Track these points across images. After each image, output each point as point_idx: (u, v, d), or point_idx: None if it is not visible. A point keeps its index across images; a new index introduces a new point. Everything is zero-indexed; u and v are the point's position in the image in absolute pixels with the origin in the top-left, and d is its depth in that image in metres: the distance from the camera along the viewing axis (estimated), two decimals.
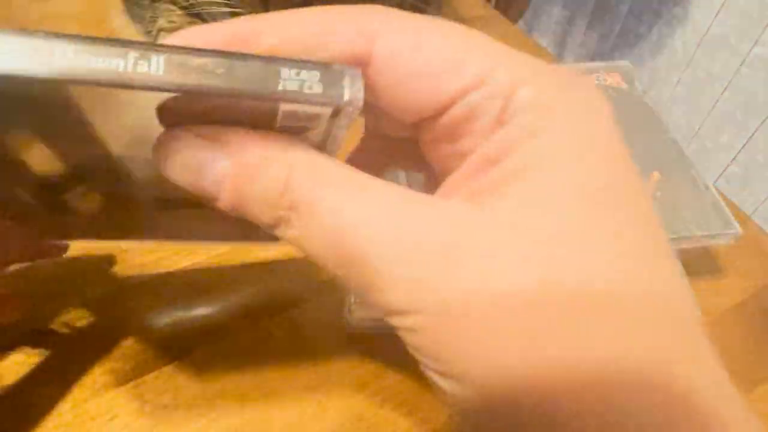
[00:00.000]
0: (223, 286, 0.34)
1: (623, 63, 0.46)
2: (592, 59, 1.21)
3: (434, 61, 0.16)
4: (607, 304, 0.14)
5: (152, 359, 0.31)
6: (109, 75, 0.14)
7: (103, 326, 0.32)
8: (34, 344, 0.30)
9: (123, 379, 0.30)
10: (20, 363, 0.30)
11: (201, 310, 0.33)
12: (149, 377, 0.30)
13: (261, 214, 0.16)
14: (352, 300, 0.31)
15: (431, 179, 0.21)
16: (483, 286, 0.14)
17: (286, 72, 0.15)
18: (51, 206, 0.21)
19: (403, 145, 0.20)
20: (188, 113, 0.16)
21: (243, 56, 0.15)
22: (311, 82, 0.15)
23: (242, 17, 0.16)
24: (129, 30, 0.51)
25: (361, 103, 0.15)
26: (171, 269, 0.35)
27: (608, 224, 0.15)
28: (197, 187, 0.16)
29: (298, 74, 0.15)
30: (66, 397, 0.29)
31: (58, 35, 0.13)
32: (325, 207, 0.15)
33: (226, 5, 0.44)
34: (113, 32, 0.51)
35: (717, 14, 1.05)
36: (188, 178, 0.16)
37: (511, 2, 0.99)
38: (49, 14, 0.53)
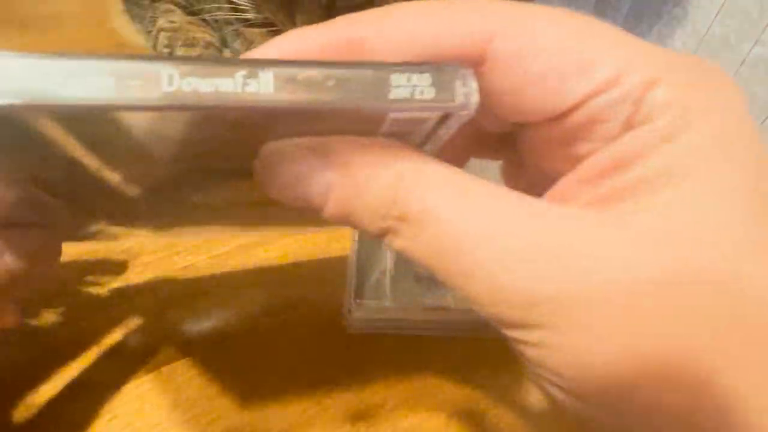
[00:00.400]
0: (223, 286, 0.34)
1: None
2: None
3: (559, 63, 0.14)
4: None
5: (152, 359, 0.31)
6: (219, 100, 0.13)
7: (102, 326, 0.32)
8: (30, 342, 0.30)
9: (123, 379, 0.30)
10: (20, 363, 0.30)
11: (201, 311, 0.33)
12: (149, 377, 0.30)
13: (369, 224, 0.15)
14: (352, 300, 0.31)
15: (514, 168, 0.20)
16: (623, 307, 0.13)
17: (396, 78, 0.14)
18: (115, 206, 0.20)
19: (490, 136, 0.19)
20: (288, 125, 0.15)
21: (351, 65, 0.14)
22: (423, 87, 0.14)
23: (340, 19, 0.15)
24: (129, 30, 0.51)
25: (474, 109, 0.14)
26: (171, 269, 0.35)
27: None
28: (302, 199, 0.16)
29: (408, 80, 0.14)
30: (66, 396, 0.29)
31: (157, 57, 0.13)
32: (437, 218, 0.14)
33: (230, 6, 0.44)
34: (113, 32, 0.51)
35: (717, 14, 1.05)
36: (292, 192, 0.16)
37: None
38: (49, 14, 0.53)
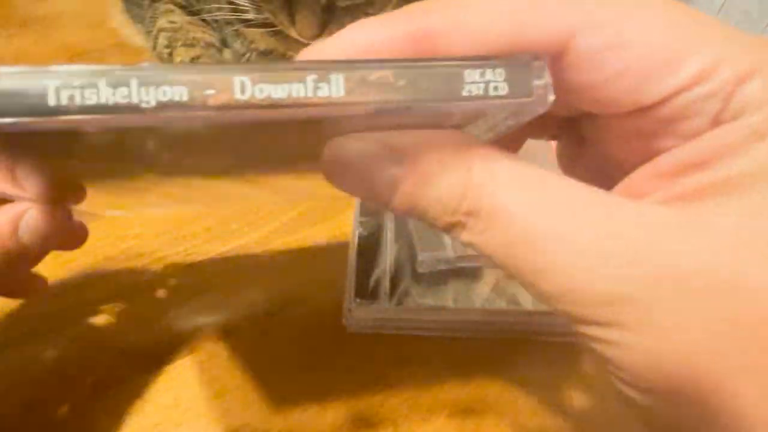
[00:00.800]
0: (223, 286, 0.34)
1: None
2: None
3: (645, 58, 0.14)
4: None
5: (152, 359, 0.31)
6: (292, 107, 0.13)
7: (102, 326, 0.32)
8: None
9: (123, 378, 0.30)
10: (20, 363, 0.30)
11: (201, 310, 0.33)
12: (149, 377, 0.30)
13: (436, 218, 0.15)
14: (352, 300, 0.31)
15: (571, 151, 0.20)
16: (708, 305, 0.13)
17: (470, 74, 0.13)
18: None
19: (552, 118, 0.18)
20: (355, 121, 0.15)
21: (423, 63, 0.13)
22: (496, 82, 0.14)
23: (411, 8, 0.15)
24: (129, 30, 0.51)
25: (549, 105, 0.14)
26: (171, 269, 0.35)
27: None
28: (368, 192, 0.15)
29: (482, 75, 0.13)
30: (66, 397, 0.29)
31: (229, 65, 0.13)
32: (508, 214, 0.14)
33: (230, 6, 0.43)
34: (113, 32, 0.51)
35: (717, 14, 1.05)
36: (359, 186, 0.15)
37: None
38: (49, 14, 0.53)
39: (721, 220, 0.13)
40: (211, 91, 0.12)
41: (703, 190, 0.14)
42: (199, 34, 0.46)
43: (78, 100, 0.12)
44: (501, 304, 0.32)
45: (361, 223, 0.36)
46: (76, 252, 0.28)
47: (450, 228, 0.15)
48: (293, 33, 0.40)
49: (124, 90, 0.12)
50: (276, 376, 0.31)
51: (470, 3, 0.14)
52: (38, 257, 0.22)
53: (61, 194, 0.21)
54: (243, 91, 0.13)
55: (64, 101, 0.12)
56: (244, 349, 0.31)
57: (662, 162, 0.15)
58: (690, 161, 0.14)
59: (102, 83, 0.12)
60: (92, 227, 0.37)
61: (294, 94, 0.13)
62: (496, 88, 0.14)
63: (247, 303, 0.34)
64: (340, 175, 0.16)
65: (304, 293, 0.34)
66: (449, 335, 0.33)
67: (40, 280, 0.27)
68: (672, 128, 0.14)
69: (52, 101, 0.12)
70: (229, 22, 0.45)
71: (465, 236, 0.15)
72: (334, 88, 0.13)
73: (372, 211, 0.36)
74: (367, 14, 0.41)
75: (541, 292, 0.14)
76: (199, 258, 0.35)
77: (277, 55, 0.46)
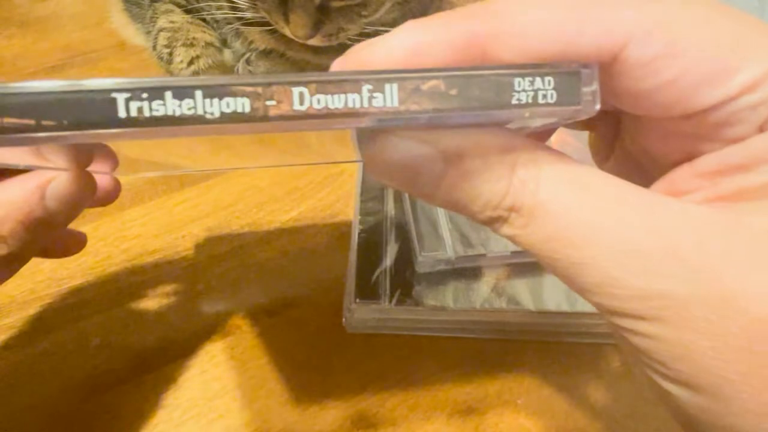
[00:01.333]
0: (223, 286, 0.34)
1: None
2: None
3: (696, 68, 0.14)
4: None
5: (152, 359, 0.31)
6: (348, 116, 0.13)
7: (102, 326, 0.32)
8: None
9: (123, 378, 0.30)
10: (20, 363, 0.30)
11: (201, 310, 0.33)
12: (149, 377, 0.30)
13: (478, 213, 0.15)
14: (352, 300, 0.31)
15: (605, 142, 0.20)
16: (742, 299, 0.13)
17: (519, 83, 0.14)
18: None
19: None
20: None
21: (473, 71, 0.14)
22: (545, 90, 0.14)
23: (460, 13, 0.15)
24: (129, 30, 0.51)
25: (595, 113, 0.14)
26: (171, 269, 0.35)
27: None
28: (410, 187, 0.16)
29: (531, 83, 0.14)
30: (66, 397, 0.29)
31: (287, 76, 0.13)
32: (551, 211, 0.14)
33: (229, 5, 0.44)
34: (113, 32, 0.51)
35: None
36: (402, 181, 0.16)
37: None
38: (49, 14, 0.53)
39: (760, 221, 0.13)
40: (272, 102, 0.13)
41: (743, 192, 0.14)
42: (198, 34, 0.46)
43: (146, 112, 0.13)
44: (501, 304, 0.32)
45: (361, 223, 0.36)
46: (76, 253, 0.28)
47: (491, 222, 0.15)
48: (287, 32, 0.40)
49: (189, 102, 0.13)
50: (276, 376, 0.31)
51: (520, 11, 0.14)
52: (67, 221, 0.22)
53: (88, 160, 0.21)
54: (302, 102, 0.13)
55: (133, 113, 0.13)
56: (244, 349, 0.32)
57: (704, 162, 0.15)
58: (733, 164, 0.14)
59: (168, 95, 0.13)
60: (92, 227, 0.37)
61: (350, 105, 0.13)
62: (544, 96, 0.14)
63: (247, 303, 0.34)
64: (383, 170, 0.16)
65: (304, 293, 0.34)
66: (449, 335, 0.33)
67: (78, 236, 0.27)
68: (716, 132, 0.15)
69: (122, 113, 0.13)
70: (228, 22, 0.45)
71: (506, 230, 0.15)
72: (389, 98, 0.13)
73: (372, 212, 0.36)
74: (360, 15, 0.41)
75: (579, 285, 0.14)
76: (200, 258, 0.35)
77: (277, 55, 0.46)
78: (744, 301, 0.13)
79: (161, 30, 0.46)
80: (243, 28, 0.45)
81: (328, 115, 0.13)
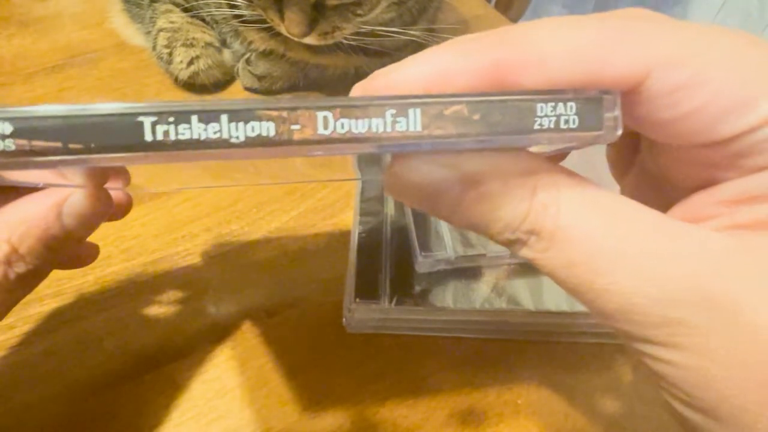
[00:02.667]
0: (223, 286, 0.34)
1: None
2: None
3: (718, 100, 0.14)
4: None
5: (152, 359, 0.31)
6: (370, 141, 0.13)
7: (102, 326, 0.32)
8: None
9: (123, 378, 0.30)
10: (20, 363, 0.30)
11: (201, 310, 0.33)
12: (149, 377, 0.30)
13: (497, 235, 0.15)
14: (353, 300, 0.31)
15: (623, 160, 0.20)
16: (761, 331, 0.13)
17: (542, 108, 0.14)
18: None
19: None
20: None
21: (497, 97, 0.14)
22: (567, 115, 0.14)
23: (484, 37, 0.15)
24: (129, 30, 0.51)
25: (616, 139, 0.14)
26: (171, 269, 0.35)
27: None
28: (429, 208, 0.16)
29: (554, 109, 0.14)
30: (67, 397, 0.29)
31: (310, 101, 0.13)
32: (571, 236, 0.14)
33: (228, 4, 0.44)
34: (113, 32, 0.51)
35: (717, 14, 1.05)
36: (422, 202, 0.16)
37: (511, 2, 0.99)
38: (49, 14, 0.53)
39: None
40: (296, 127, 0.13)
41: (762, 222, 0.14)
42: (198, 34, 0.46)
43: (172, 136, 0.13)
44: (501, 304, 0.32)
45: (361, 223, 0.36)
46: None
47: (510, 244, 0.15)
48: (283, 30, 0.40)
49: (215, 126, 0.13)
50: (276, 376, 0.31)
51: (545, 37, 0.14)
52: (84, 237, 0.22)
53: (104, 178, 0.21)
54: (326, 127, 0.13)
55: (159, 137, 0.13)
56: (244, 349, 0.32)
57: (724, 190, 0.15)
58: (753, 193, 0.14)
59: (195, 119, 0.13)
60: None
61: (373, 129, 0.13)
62: (567, 122, 0.14)
63: (247, 303, 0.34)
64: (402, 192, 0.16)
65: (304, 293, 0.34)
66: (449, 335, 0.33)
67: (91, 247, 0.27)
68: (737, 162, 0.15)
69: (148, 137, 0.13)
70: (227, 21, 0.45)
71: (525, 252, 0.15)
72: (412, 123, 0.14)
73: (372, 212, 0.36)
74: (356, 14, 0.41)
75: (600, 310, 0.14)
76: (199, 258, 0.35)
77: (276, 56, 0.46)
78: (763, 334, 0.13)
79: (161, 30, 0.46)
80: (242, 27, 0.45)
81: (351, 140, 0.13)
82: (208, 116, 0.13)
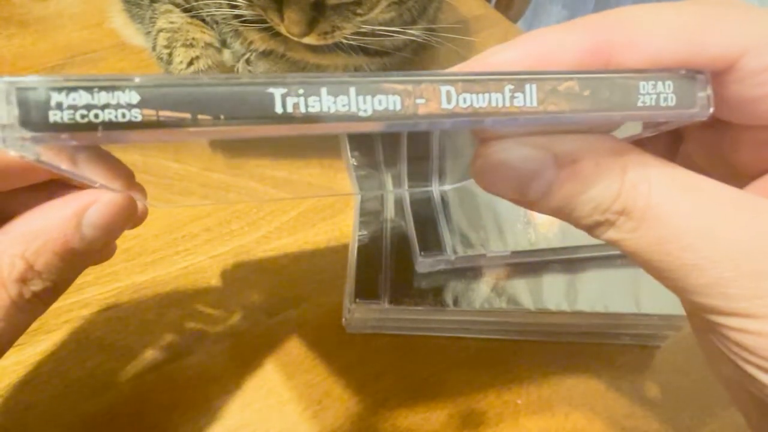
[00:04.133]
0: (224, 286, 0.34)
1: None
2: None
3: None
4: None
5: (152, 359, 0.31)
6: (490, 114, 0.14)
7: (102, 326, 0.32)
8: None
9: (123, 378, 0.30)
10: (20, 363, 0.30)
11: (201, 311, 0.33)
12: (149, 377, 0.30)
13: (583, 217, 0.16)
14: (352, 300, 0.31)
15: (673, 142, 0.21)
16: None
17: (644, 86, 0.15)
18: None
19: None
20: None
21: (603, 74, 0.14)
22: (666, 93, 0.15)
23: (586, 21, 0.15)
24: (129, 30, 0.51)
25: (708, 116, 0.15)
26: (171, 269, 0.35)
27: None
28: (518, 193, 0.16)
29: (654, 87, 0.15)
30: (67, 397, 0.29)
31: (434, 75, 0.13)
32: (662, 214, 0.15)
33: (228, 4, 0.43)
34: (113, 32, 0.51)
35: None
36: (514, 186, 0.16)
37: (511, 2, 0.99)
38: (50, 14, 0.53)
39: None
40: (421, 101, 0.13)
41: None
42: (198, 35, 0.46)
43: (302, 108, 0.13)
44: (501, 304, 0.32)
45: (361, 223, 0.36)
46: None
47: (595, 226, 0.16)
48: (282, 30, 0.40)
49: (344, 98, 0.13)
50: (276, 375, 0.31)
51: (644, 20, 0.15)
52: (102, 249, 0.20)
53: (130, 182, 0.20)
54: (449, 101, 0.14)
55: (289, 109, 0.13)
56: (244, 349, 0.32)
57: None
58: None
59: (324, 91, 0.13)
60: None
61: (493, 104, 0.14)
62: (665, 99, 0.15)
63: (247, 303, 0.34)
64: (495, 176, 0.16)
65: (304, 293, 0.34)
66: (449, 335, 0.33)
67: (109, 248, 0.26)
68: None
69: (278, 109, 0.13)
70: (227, 21, 0.45)
71: (611, 234, 0.16)
72: (528, 98, 0.14)
73: (372, 212, 0.36)
74: (355, 14, 0.41)
75: (688, 287, 0.15)
76: (199, 258, 0.35)
77: (277, 56, 0.46)
78: None
79: (161, 30, 0.46)
80: (242, 27, 0.45)
81: (472, 114, 0.14)
82: (337, 89, 0.13)
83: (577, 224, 0.16)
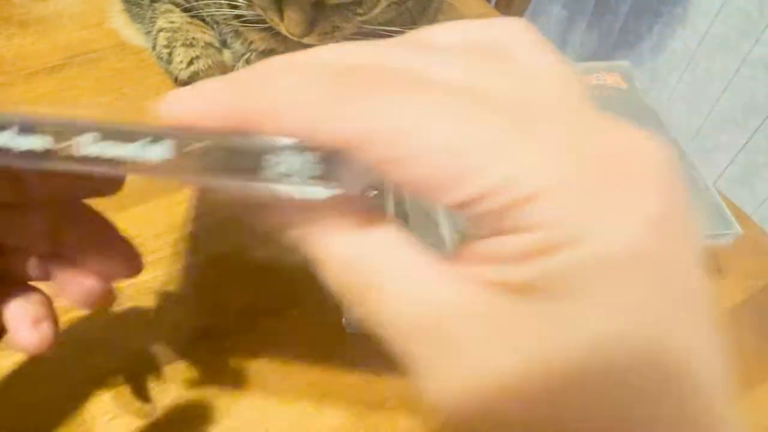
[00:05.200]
0: (223, 286, 0.34)
1: (623, 63, 0.46)
2: (592, 59, 1.21)
3: (438, 171, 0.14)
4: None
5: (152, 359, 0.31)
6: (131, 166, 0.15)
7: (102, 326, 0.32)
8: None
9: (123, 378, 0.30)
10: (20, 363, 0.30)
11: (200, 310, 0.33)
12: (149, 377, 0.30)
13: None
14: None
15: None
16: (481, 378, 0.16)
17: (274, 159, 0.15)
18: None
19: None
20: None
21: (233, 141, 0.15)
22: (311, 165, 0.15)
23: (236, 83, 0.16)
24: (129, 30, 0.51)
25: (358, 192, 0.15)
26: (171, 269, 0.35)
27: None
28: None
29: (302, 153, 0.15)
30: (66, 397, 0.29)
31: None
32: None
33: (228, 4, 0.43)
34: (113, 32, 0.51)
35: (717, 14, 1.05)
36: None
37: (511, 2, 0.99)
38: (50, 14, 0.53)
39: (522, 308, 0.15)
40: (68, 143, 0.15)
41: (493, 282, 0.15)
42: (198, 34, 0.46)
43: None
44: None
45: None
46: None
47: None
48: (282, 29, 0.40)
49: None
50: (276, 375, 0.31)
51: (286, 96, 0.15)
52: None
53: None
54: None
55: None
56: (243, 349, 0.32)
57: (479, 245, 0.16)
58: (496, 255, 0.15)
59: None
60: None
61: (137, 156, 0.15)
62: (310, 170, 0.15)
63: (247, 303, 0.34)
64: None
65: (304, 293, 0.34)
66: None
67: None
68: (481, 222, 0.15)
69: None
70: (227, 21, 0.45)
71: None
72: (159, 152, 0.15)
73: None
74: (355, 14, 0.41)
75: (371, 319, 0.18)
76: (199, 258, 0.35)
77: (277, 56, 0.46)
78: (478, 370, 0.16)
79: (161, 30, 0.46)
80: (242, 27, 0.45)
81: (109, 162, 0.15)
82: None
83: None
